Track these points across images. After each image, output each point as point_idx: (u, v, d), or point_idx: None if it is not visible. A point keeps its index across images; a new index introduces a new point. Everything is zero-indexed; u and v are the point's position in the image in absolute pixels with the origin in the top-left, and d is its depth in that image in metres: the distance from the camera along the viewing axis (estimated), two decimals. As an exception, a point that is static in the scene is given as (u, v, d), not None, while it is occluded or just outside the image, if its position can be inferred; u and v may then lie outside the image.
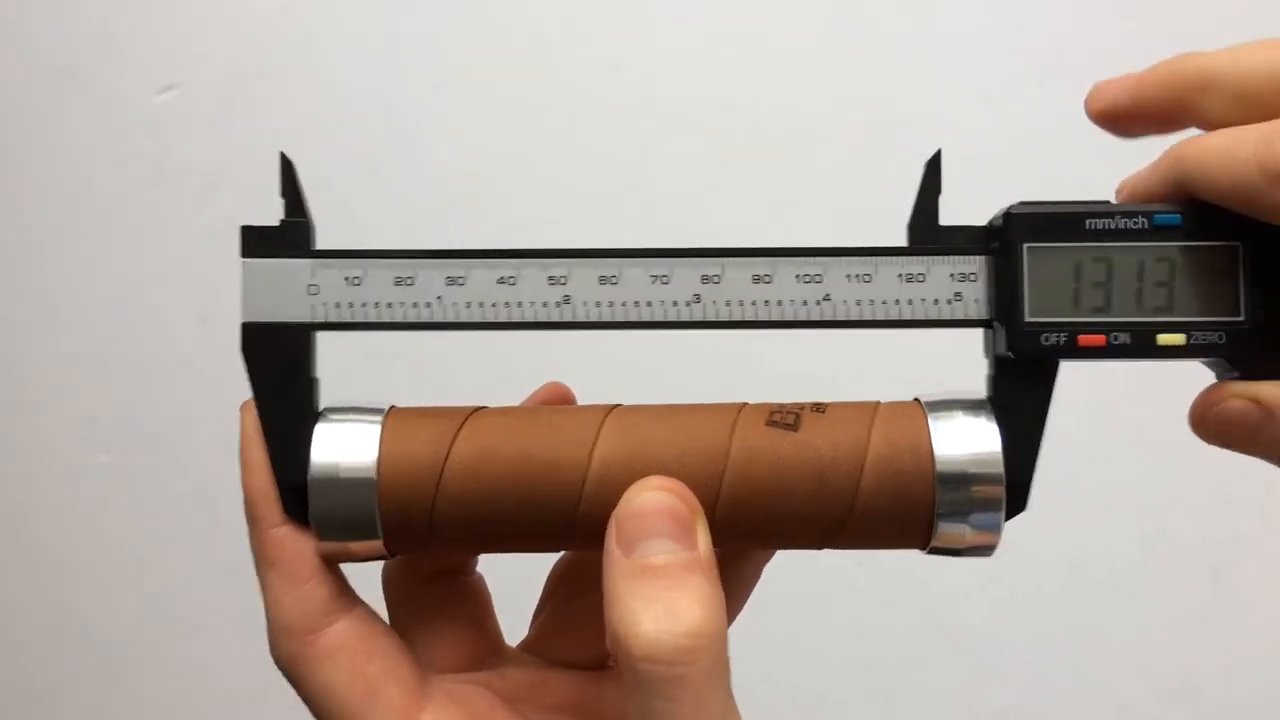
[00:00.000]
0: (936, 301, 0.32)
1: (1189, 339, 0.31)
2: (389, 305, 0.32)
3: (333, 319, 0.32)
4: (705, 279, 0.32)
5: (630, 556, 0.28)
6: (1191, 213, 0.31)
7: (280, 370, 0.32)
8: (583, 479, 0.31)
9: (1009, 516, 0.32)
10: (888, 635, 0.81)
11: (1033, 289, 0.31)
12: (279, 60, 0.84)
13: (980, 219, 0.33)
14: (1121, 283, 0.31)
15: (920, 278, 0.32)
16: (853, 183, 0.80)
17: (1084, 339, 0.31)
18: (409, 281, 0.32)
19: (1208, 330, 0.31)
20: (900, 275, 0.32)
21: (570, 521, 0.31)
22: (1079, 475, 0.76)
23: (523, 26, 0.83)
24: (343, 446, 0.31)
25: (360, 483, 0.31)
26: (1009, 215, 0.32)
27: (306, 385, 0.32)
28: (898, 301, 0.32)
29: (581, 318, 0.32)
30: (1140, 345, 0.31)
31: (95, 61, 0.85)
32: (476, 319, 0.32)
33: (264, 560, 0.32)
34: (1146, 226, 0.31)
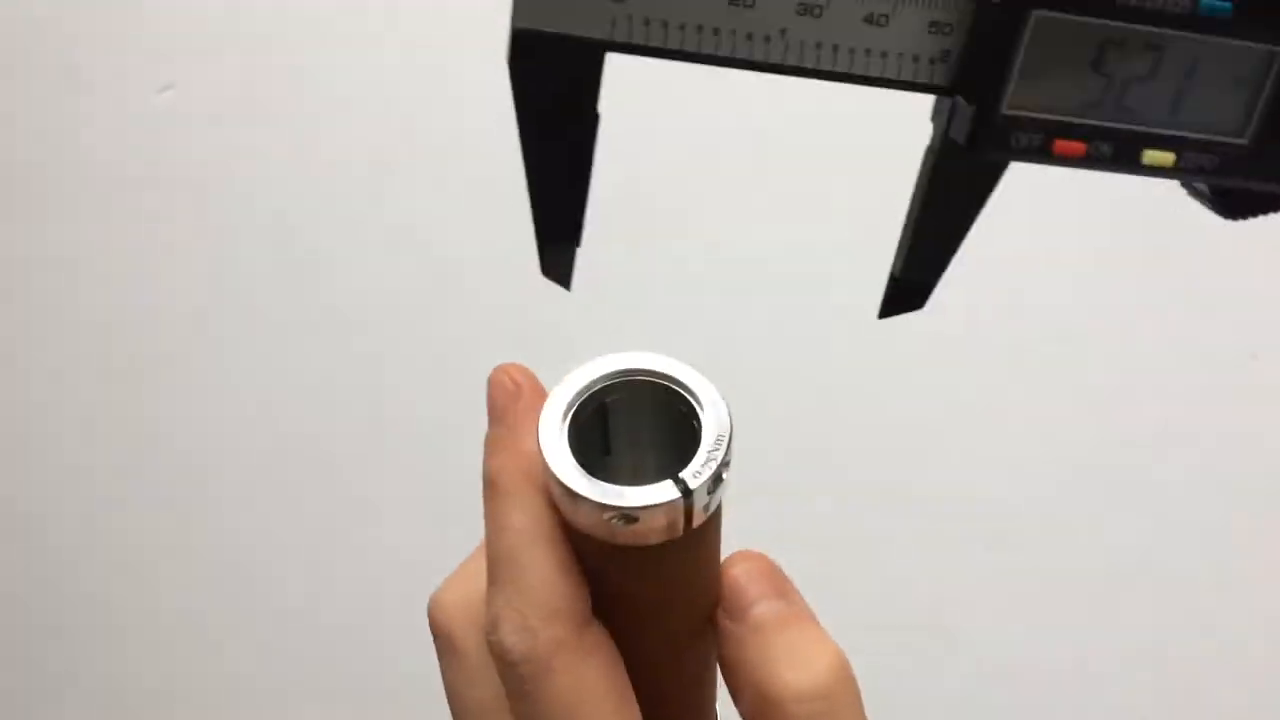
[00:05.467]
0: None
1: (1178, 160, 0.26)
2: (715, 32, 0.24)
3: (638, 40, 0.24)
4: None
5: (744, 624, 0.29)
6: (1245, 5, 0.25)
7: (559, 100, 0.25)
8: None
9: (899, 311, 0.28)
10: (888, 635, 0.81)
11: (1024, 71, 0.25)
12: (279, 60, 0.84)
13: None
14: (1128, 78, 0.25)
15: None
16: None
17: (1061, 144, 0.26)
18: (749, 4, 0.24)
19: (1202, 152, 0.26)
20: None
21: None
22: (1079, 474, 0.76)
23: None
24: None
25: None
26: None
27: (589, 124, 0.25)
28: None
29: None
30: (1122, 158, 0.26)
31: (95, 61, 0.85)
32: (826, 66, 0.24)
33: (537, 535, 0.28)
34: (1190, 10, 0.25)
